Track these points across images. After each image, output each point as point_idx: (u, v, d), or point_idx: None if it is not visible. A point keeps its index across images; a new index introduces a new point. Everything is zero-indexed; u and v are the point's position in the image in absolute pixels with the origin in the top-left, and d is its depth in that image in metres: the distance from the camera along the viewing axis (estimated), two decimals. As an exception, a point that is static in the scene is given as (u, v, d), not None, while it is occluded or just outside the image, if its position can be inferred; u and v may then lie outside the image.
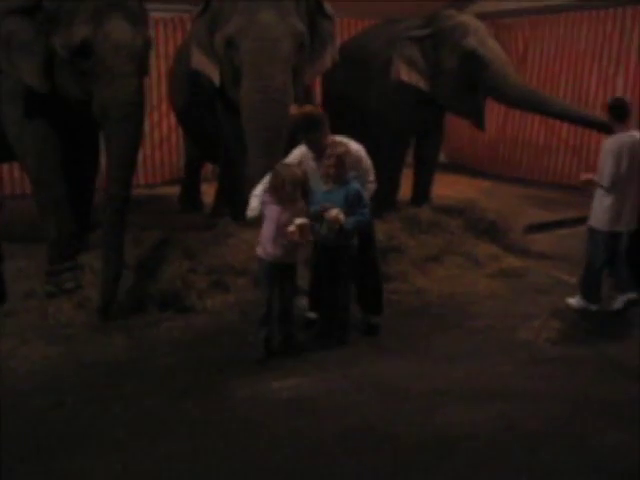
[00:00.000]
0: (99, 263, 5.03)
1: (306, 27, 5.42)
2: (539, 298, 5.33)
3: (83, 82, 4.94)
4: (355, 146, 4.50)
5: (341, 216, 4.17)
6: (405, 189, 7.30)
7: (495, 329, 4.80)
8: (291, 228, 4.04)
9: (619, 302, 5.02)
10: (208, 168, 8.54)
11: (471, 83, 6.42)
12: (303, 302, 4.78)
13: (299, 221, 4.05)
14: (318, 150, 4.39)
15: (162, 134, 9.25)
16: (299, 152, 4.50)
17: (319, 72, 5.93)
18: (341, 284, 4.47)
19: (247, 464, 3.22)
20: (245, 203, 4.52)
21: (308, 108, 4.56)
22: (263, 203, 4.27)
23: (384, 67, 6.73)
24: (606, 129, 5.35)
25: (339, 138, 4.46)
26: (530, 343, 4.57)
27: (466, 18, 6.71)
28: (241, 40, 5.19)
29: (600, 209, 4.94)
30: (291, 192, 4.14)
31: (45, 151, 5.41)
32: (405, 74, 6.52)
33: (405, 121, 6.87)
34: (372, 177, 4.57)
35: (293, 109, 4.51)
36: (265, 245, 4.27)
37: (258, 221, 4.36)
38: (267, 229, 4.25)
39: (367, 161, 4.55)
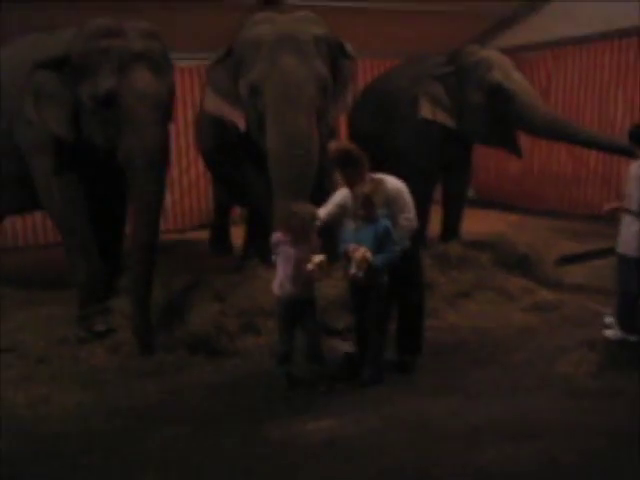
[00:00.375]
0: (130, 307, 5.07)
1: (328, 69, 5.49)
2: (575, 331, 5.21)
3: (108, 132, 5.05)
4: (393, 183, 4.48)
5: (368, 254, 4.14)
6: (434, 225, 7.27)
7: (532, 363, 4.70)
8: (310, 266, 4.12)
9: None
10: (237, 211, 8.60)
11: (499, 116, 6.43)
12: (346, 345, 4.77)
13: (317, 259, 4.13)
14: (354, 187, 4.38)
15: (191, 180, 9.37)
16: (341, 193, 4.51)
17: (342, 112, 5.98)
18: (374, 324, 4.41)
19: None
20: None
21: (346, 144, 4.56)
22: (277, 244, 4.33)
23: (410, 105, 6.76)
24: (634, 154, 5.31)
25: (379, 176, 4.46)
26: (569, 377, 4.45)
27: (489, 52, 6.77)
28: (264, 86, 5.27)
29: (629, 235, 4.84)
30: (304, 230, 4.22)
31: (73, 199, 5.52)
32: (429, 112, 6.56)
33: (432, 158, 6.88)
34: (411, 214, 4.49)
35: (332, 145, 4.54)
36: (283, 284, 4.31)
37: None
38: (284, 268, 4.29)
39: (407, 197, 4.49)
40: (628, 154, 5.97)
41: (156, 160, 4.96)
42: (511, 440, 3.66)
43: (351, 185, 4.41)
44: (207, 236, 8.09)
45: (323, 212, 4.45)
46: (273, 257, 4.41)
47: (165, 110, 5.13)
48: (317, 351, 4.45)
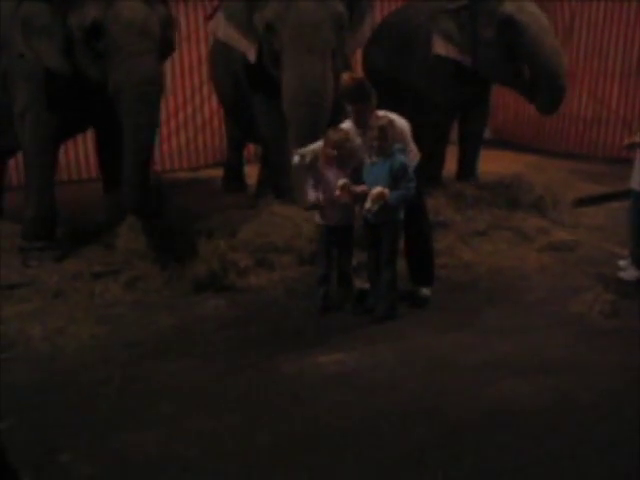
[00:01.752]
0: (135, 244, 5.23)
1: (346, 4, 5.36)
2: (590, 271, 5.17)
3: (99, 63, 4.91)
4: (399, 120, 4.42)
5: (386, 191, 4.13)
6: (450, 165, 7.18)
7: (546, 303, 4.69)
8: (337, 192, 4.20)
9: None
10: (251, 150, 8.52)
11: (510, 51, 6.19)
12: (359, 281, 4.78)
13: (340, 182, 4.20)
14: (364, 123, 4.33)
15: (204, 117, 9.24)
16: (345, 127, 4.45)
17: (359, 45, 5.85)
18: (387, 260, 4.41)
19: (293, 438, 3.20)
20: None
21: (358, 77, 4.46)
22: (320, 171, 4.38)
23: (425, 41, 6.59)
24: None
25: (382, 112, 4.39)
26: (582, 316, 4.44)
27: None
28: (280, 26, 5.17)
29: None
30: (342, 154, 4.29)
31: (43, 137, 5.43)
32: (442, 48, 6.38)
33: (448, 96, 6.72)
34: (413, 147, 4.45)
35: (345, 75, 4.45)
36: (325, 210, 4.41)
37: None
38: (325, 194, 4.35)
39: (409, 136, 4.45)
40: None
41: (146, 92, 4.83)
42: (523, 376, 3.68)
43: (361, 121, 4.35)
44: (221, 174, 8.03)
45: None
46: (311, 185, 4.43)
47: (155, 40, 4.96)
48: (348, 276, 4.65)
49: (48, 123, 5.40)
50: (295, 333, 4.28)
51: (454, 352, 3.98)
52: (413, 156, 4.46)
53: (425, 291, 4.72)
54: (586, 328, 4.28)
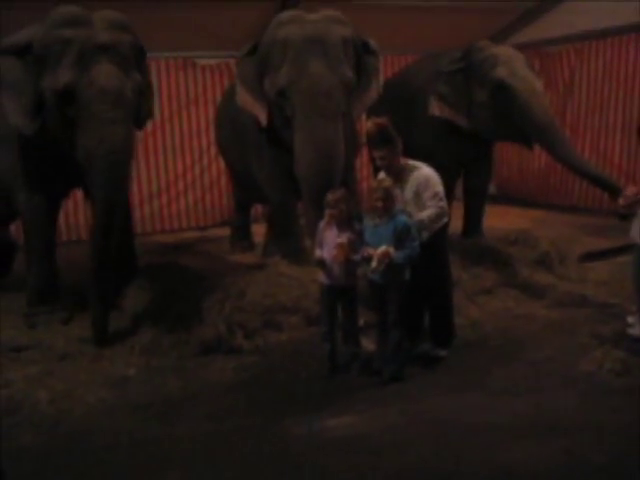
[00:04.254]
0: (142, 305, 5.26)
1: (354, 68, 5.50)
2: (600, 328, 5.11)
3: (70, 128, 4.85)
4: (424, 170, 4.49)
5: (391, 250, 4.14)
6: (456, 222, 7.21)
7: (555, 361, 4.63)
8: (334, 252, 4.25)
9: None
10: (258, 209, 8.61)
11: (504, 113, 6.36)
12: (366, 342, 4.76)
13: (339, 240, 4.25)
14: (389, 170, 4.42)
15: (212, 177, 9.39)
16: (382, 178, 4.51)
17: (366, 107, 5.98)
18: (394, 321, 4.38)
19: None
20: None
21: (382, 121, 4.52)
22: (322, 231, 4.44)
23: (424, 102, 6.74)
24: (613, 191, 5.47)
25: (412, 162, 4.49)
26: (593, 375, 4.38)
27: (499, 49, 6.69)
28: (292, 92, 5.30)
29: None
30: (344, 216, 4.33)
31: (40, 200, 5.44)
32: (437, 109, 6.56)
33: (450, 154, 6.82)
34: (436, 202, 4.45)
35: (369, 122, 4.54)
36: (328, 269, 4.41)
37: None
38: (327, 254, 4.37)
39: (437, 186, 4.48)
40: (610, 190, 5.91)
41: (116, 162, 4.77)
42: (535, 437, 3.62)
43: (386, 168, 4.44)
44: (228, 233, 8.10)
45: None
46: (317, 248, 4.48)
47: (129, 108, 4.91)
48: (354, 336, 4.62)
49: (39, 188, 5.40)
50: (303, 395, 4.24)
51: (464, 414, 3.92)
52: (433, 211, 4.43)
53: (441, 352, 4.69)
54: (597, 387, 4.22)
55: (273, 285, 5.53)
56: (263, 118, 5.61)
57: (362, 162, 8.47)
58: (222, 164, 8.47)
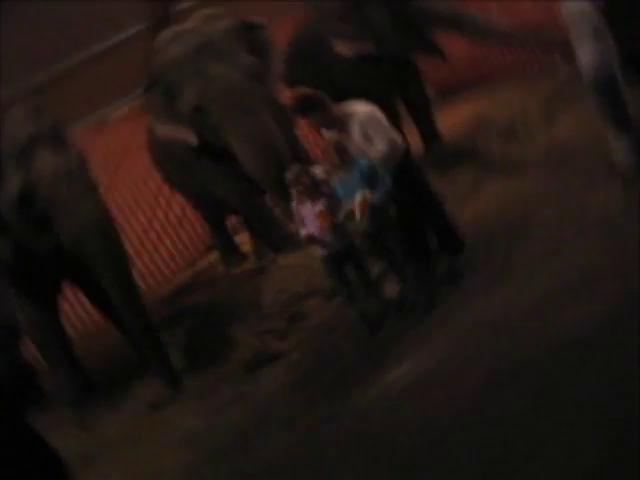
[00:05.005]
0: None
1: (249, 51, 5.50)
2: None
3: (43, 228, 4.83)
4: (362, 109, 4.42)
5: (366, 195, 4.14)
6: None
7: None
8: (316, 223, 4.28)
9: None
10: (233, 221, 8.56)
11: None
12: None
13: (317, 210, 4.29)
14: (329, 126, 4.39)
15: (176, 213, 9.30)
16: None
17: (277, 77, 5.97)
18: (404, 256, 4.44)
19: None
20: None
21: (303, 90, 4.52)
22: (297, 210, 4.43)
23: (331, 46, 6.62)
24: None
25: (346, 106, 4.43)
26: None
27: None
28: (206, 104, 5.36)
29: None
30: (308, 187, 4.32)
31: (37, 319, 5.40)
32: (343, 48, 6.41)
33: (374, 83, 6.61)
34: (383, 135, 4.37)
35: (290, 93, 4.54)
36: (319, 241, 4.43)
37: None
38: (312, 228, 4.36)
39: (380, 120, 4.42)
40: None
41: (106, 236, 4.85)
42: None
43: (327, 125, 4.42)
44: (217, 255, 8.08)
45: None
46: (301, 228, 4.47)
47: (85, 181, 4.93)
48: (373, 287, 4.63)
49: (33, 297, 5.37)
50: (359, 362, 4.30)
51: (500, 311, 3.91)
52: (396, 140, 4.41)
53: (459, 264, 4.62)
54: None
55: (280, 280, 5.56)
56: (192, 139, 5.61)
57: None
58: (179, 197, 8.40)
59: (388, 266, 4.62)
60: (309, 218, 4.37)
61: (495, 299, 4.10)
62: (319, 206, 4.31)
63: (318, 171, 4.42)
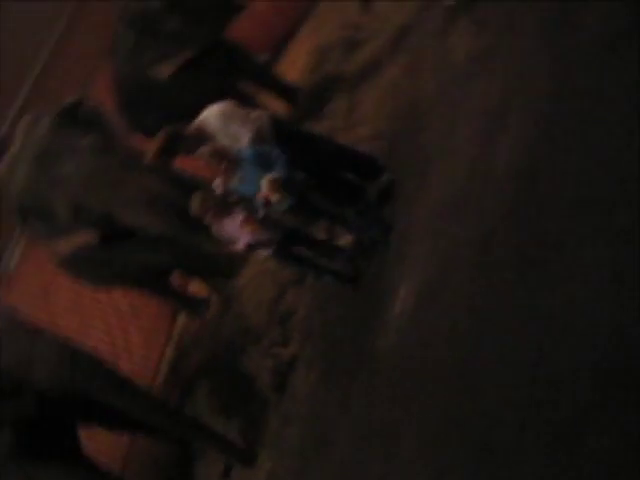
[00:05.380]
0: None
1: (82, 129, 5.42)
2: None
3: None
4: (210, 112, 4.29)
5: (270, 177, 4.07)
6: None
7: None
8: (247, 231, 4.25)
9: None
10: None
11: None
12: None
13: (240, 221, 4.25)
14: (195, 150, 4.26)
15: (124, 308, 9.12)
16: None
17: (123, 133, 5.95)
18: (340, 204, 4.47)
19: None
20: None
21: (154, 144, 4.32)
22: (222, 231, 4.35)
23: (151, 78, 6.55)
24: None
25: (198, 120, 4.29)
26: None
27: None
28: (84, 201, 5.38)
29: None
30: (213, 207, 4.28)
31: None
32: (165, 70, 6.37)
33: (207, 77, 6.56)
34: (243, 122, 4.28)
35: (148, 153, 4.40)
36: (260, 244, 4.37)
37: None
38: (246, 237, 4.30)
39: (232, 113, 4.32)
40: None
41: (80, 364, 4.77)
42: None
43: (192, 152, 4.30)
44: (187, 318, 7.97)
45: None
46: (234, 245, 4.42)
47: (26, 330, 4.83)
48: (329, 249, 4.63)
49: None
50: (360, 319, 4.31)
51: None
52: (257, 118, 4.33)
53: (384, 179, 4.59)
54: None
55: (251, 298, 5.55)
56: (93, 237, 5.56)
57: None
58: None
59: (328, 222, 4.63)
60: (236, 231, 4.32)
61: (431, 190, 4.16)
62: (238, 215, 4.27)
63: (216, 186, 4.35)
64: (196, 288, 7.69)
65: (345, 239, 4.71)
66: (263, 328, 5.27)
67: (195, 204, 4.32)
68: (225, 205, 4.31)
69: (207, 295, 7.56)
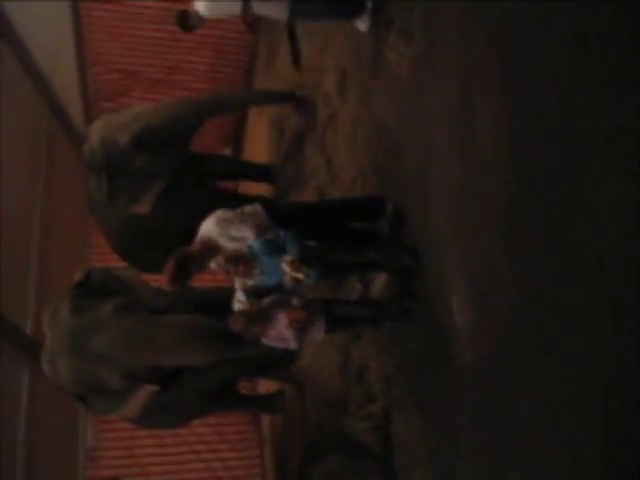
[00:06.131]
0: None
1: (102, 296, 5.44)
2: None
3: None
4: (206, 226, 4.34)
5: (289, 258, 4.09)
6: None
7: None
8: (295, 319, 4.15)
9: None
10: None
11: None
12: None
13: (289, 314, 4.16)
14: (208, 259, 4.26)
15: (206, 434, 9.12)
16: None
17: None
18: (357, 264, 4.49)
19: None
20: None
21: (165, 274, 4.25)
22: (271, 332, 4.22)
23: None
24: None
25: (198, 240, 4.33)
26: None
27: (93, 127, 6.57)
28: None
29: None
30: (254, 318, 4.17)
31: None
32: (142, 207, 6.39)
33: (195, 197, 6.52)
34: (240, 222, 4.31)
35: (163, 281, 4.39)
36: (306, 325, 4.24)
37: None
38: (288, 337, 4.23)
39: (228, 219, 4.35)
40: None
41: None
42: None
43: (206, 269, 4.33)
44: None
45: None
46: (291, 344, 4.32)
47: None
48: (372, 303, 4.59)
49: None
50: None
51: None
52: (251, 212, 4.40)
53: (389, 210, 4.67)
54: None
55: (321, 370, 5.63)
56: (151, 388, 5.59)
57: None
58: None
59: (358, 273, 4.66)
60: (284, 332, 4.22)
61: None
62: (279, 317, 4.17)
63: (238, 287, 4.36)
64: (265, 386, 7.71)
65: (379, 280, 4.75)
66: (345, 394, 5.26)
67: (235, 326, 4.22)
68: (262, 314, 4.19)
69: (278, 388, 7.58)
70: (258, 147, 8.33)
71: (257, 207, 4.46)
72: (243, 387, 8.08)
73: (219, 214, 4.39)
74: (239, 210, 4.40)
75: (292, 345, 4.30)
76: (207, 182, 6.86)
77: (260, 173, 7.31)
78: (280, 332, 4.23)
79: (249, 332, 4.21)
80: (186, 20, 5.61)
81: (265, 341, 4.30)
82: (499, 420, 3.52)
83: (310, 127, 6.47)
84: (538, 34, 3.12)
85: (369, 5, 5.14)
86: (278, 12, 5.21)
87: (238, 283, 4.31)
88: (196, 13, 5.54)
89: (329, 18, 5.43)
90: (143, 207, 6.32)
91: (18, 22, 7.76)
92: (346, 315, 4.52)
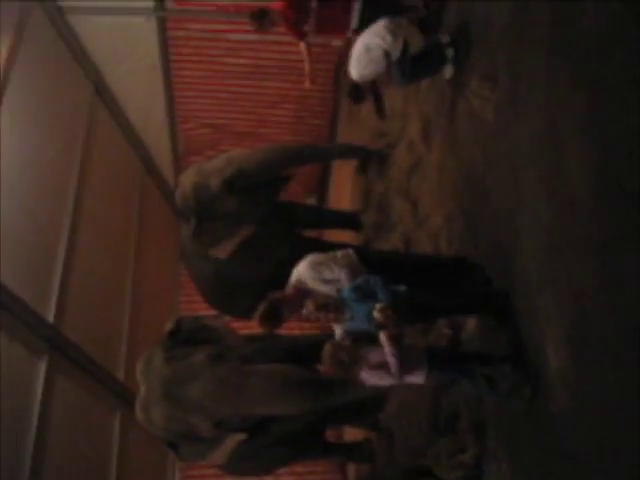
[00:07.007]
0: None
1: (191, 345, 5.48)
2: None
3: None
4: (299, 270, 4.44)
5: (378, 307, 4.03)
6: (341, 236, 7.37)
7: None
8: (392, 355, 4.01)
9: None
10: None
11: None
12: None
13: (375, 360, 4.05)
14: (300, 303, 4.32)
15: None
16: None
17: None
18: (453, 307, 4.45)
19: None
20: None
21: (257, 317, 4.39)
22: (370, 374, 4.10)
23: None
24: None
25: (292, 281, 4.43)
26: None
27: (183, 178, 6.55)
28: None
29: None
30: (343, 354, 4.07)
31: None
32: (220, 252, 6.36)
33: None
34: (333, 268, 4.42)
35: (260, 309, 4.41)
36: (406, 367, 4.06)
37: None
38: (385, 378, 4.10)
39: (320, 263, 4.47)
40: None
41: None
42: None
43: (294, 310, 4.38)
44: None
45: None
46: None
47: None
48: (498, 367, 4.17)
49: None
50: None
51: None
52: (344, 255, 4.48)
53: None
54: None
55: (410, 418, 5.54)
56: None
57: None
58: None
59: (447, 316, 4.61)
60: (383, 366, 4.06)
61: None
62: (371, 355, 4.08)
63: (338, 335, 4.37)
64: (352, 434, 7.62)
65: (470, 323, 4.68)
66: (435, 443, 5.14)
67: (329, 370, 4.14)
68: (356, 355, 4.07)
69: (365, 436, 7.48)
70: (343, 195, 8.44)
71: (349, 250, 4.53)
72: (330, 435, 8.04)
73: (312, 258, 4.47)
74: (331, 254, 4.46)
75: (386, 382, 4.11)
76: (293, 231, 6.89)
77: (346, 220, 7.37)
78: (372, 373, 4.08)
79: (344, 374, 4.12)
80: (263, 17, 5.58)
81: (360, 383, 4.18)
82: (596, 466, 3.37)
83: (395, 175, 6.52)
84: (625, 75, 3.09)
85: (450, 53, 5.20)
86: None
87: (337, 330, 4.33)
88: (275, 12, 5.50)
89: (417, 80, 5.58)
90: (222, 252, 6.22)
91: (112, 82, 8.23)
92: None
